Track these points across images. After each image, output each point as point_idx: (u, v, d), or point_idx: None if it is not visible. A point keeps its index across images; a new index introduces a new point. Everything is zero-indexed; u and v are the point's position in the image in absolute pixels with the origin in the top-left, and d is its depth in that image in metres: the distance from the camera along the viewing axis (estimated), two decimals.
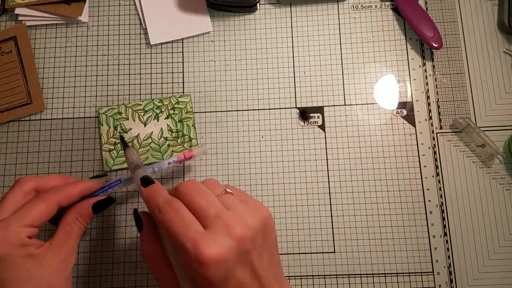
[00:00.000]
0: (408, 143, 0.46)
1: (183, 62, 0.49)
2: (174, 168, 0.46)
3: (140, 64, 0.49)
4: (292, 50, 0.49)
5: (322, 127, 0.47)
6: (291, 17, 0.50)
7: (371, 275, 0.43)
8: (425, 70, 0.48)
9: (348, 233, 0.44)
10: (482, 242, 0.44)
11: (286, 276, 0.44)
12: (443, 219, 0.44)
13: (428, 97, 0.47)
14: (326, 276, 0.43)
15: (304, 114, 0.47)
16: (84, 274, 0.44)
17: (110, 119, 0.47)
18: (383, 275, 0.43)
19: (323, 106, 0.47)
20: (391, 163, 0.46)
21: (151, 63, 0.49)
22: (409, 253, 0.44)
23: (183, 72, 0.49)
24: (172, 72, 0.49)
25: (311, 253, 0.44)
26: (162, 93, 0.48)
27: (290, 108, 0.48)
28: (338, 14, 0.50)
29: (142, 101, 0.48)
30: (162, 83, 0.48)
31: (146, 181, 0.34)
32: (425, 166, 0.46)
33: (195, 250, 0.28)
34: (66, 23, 0.50)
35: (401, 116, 0.47)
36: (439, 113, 0.47)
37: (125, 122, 0.47)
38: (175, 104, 0.47)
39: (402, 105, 0.47)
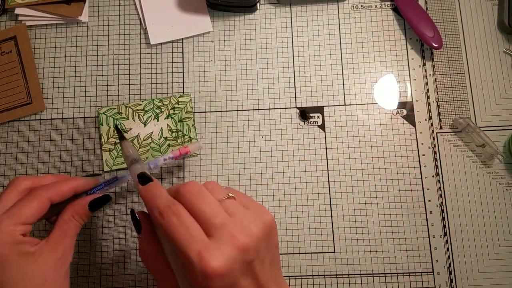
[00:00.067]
0: (408, 143, 0.46)
1: (183, 62, 0.49)
2: (174, 168, 0.46)
3: (140, 64, 0.49)
4: (292, 50, 0.49)
5: (322, 127, 0.47)
6: (291, 17, 0.50)
7: (371, 275, 0.43)
8: (425, 70, 0.48)
9: (348, 233, 0.44)
10: (482, 242, 0.44)
11: (286, 276, 0.44)
12: (443, 219, 0.44)
13: (428, 97, 0.47)
14: (326, 276, 0.43)
15: (304, 114, 0.47)
16: (84, 274, 0.44)
17: (110, 119, 0.47)
18: (383, 275, 0.43)
19: (323, 106, 0.47)
20: (391, 163, 0.46)
21: (151, 63, 0.49)
22: (409, 253, 0.44)
23: (183, 72, 0.49)
24: (172, 72, 0.49)
25: (311, 253, 0.44)
26: (162, 93, 0.48)
27: (290, 108, 0.48)
28: (338, 14, 0.50)
29: (142, 101, 0.48)
30: (162, 83, 0.48)
31: (144, 178, 0.34)
32: (425, 166, 0.46)
33: (200, 262, 0.27)
34: (66, 23, 0.50)
35: (401, 116, 0.47)
36: (439, 113, 0.47)
37: (125, 122, 0.47)
38: (175, 104, 0.47)
39: (402, 105, 0.47)
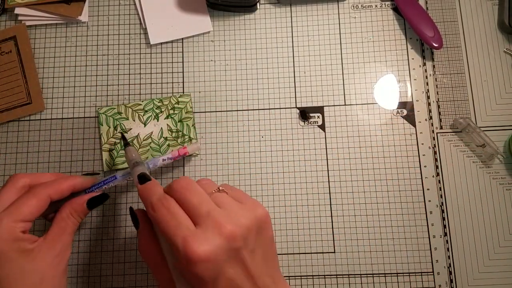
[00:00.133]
0: (408, 143, 0.46)
1: (183, 62, 0.49)
2: (174, 168, 0.46)
3: (140, 64, 0.49)
4: (292, 50, 0.49)
5: (322, 127, 0.47)
6: (291, 17, 0.50)
7: (371, 275, 0.43)
8: (425, 70, 0.48)
9: (348, 233, 0.44)
10: (482, 242, 0.44)
11: (286, 276, 0.43)
12: (443, 219, 0.44)
13: (428, 97, 0.47)
14: (326, 276, 0.43)
15: (304, 114, 0.47)
16: (84, 274, 0.44)
17: (110, 119, 0.47)
18: (383, 275, 0.43)
19: (323, 106, 0.47)
20: (391, 163, 0.46)
21: (151, 63, 0.49)
22: (409, 253, 0.44)
23: (183, 72, 0.49)
24: (172, 72, 0.49)
25: (311, 253, 0.44)
26: (162, 93, 0.48)
27: (290, 108, 0.47)
28: (338, 14, 0.50)
29: (142, 101, 0.47)
30: (162, 83, 0.48)
31: (143, 178, 0.35)
32: (425, 166, 0.46)
33: (184, 248, 0.28)
34: (66, 23, 0.50)
35: (401, 116, 0.47)
36: (439, 113, 0.47)
37: (125, 122, 0.47)
38: (175, 104, 0.47)
39: (402, 105, 0.47)
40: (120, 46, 0.49)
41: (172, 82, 0.48)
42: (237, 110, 0.47)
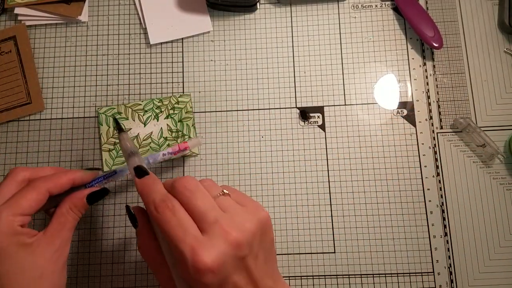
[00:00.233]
0: (409, 143, 0.46)
1: (183, 62, 0.49)
2: (174, 168, 0.46)
3: (140, 64, 0.49)
4: (292, 50, 0.49)
5: (322, 127, 0.47)
6: (291, 16, 0.50)
7: (371, 275, 0.43)
8: (426, 70, 0.48)
9: (348, 233, 0.44)
10: (483, 242, 0.44)
11: (286, 276, 0.43)
12: (444, 219, 0.44)
13: (428, 97, 0.47)
14: (326, 276, 0.43)
15: (304, 114, 0.47)
16: (84, 274, 0.44)
17: (110, 119, 0.47)
18: (383, 275, 0.43)
19: (323, 106, 0.47)
20: (391, 163, 0.46)
21: (151, 63, 0.49)
22: (409, 253, 0.44)
23: (183, 72, 0.49)
24: (172, 72, 0.49)
25: (311, 253, 0.44)
26: (162, 93, 0.48)
27: (290, 108, 0.47)
28: (338, 13, 0.50)
29: (142, 101, 0.47)
30: (162, 83, 0.48)
31: (140, 171, 0.34)
32: (425, 166, 0.46)
33: (193, 257, 0.28)
34: (66, 22, 0.50)
35: (401, 116, 0.47)
36: (440, 113, 0.47)
37: (125, 122, 0.47)
38: (175, 104, 0.47)
39: (402, 105, 0.47)
40: (120, 46, 0.49)
41: (172, 82, 0.48)
42: (237, 110, 0.47)
